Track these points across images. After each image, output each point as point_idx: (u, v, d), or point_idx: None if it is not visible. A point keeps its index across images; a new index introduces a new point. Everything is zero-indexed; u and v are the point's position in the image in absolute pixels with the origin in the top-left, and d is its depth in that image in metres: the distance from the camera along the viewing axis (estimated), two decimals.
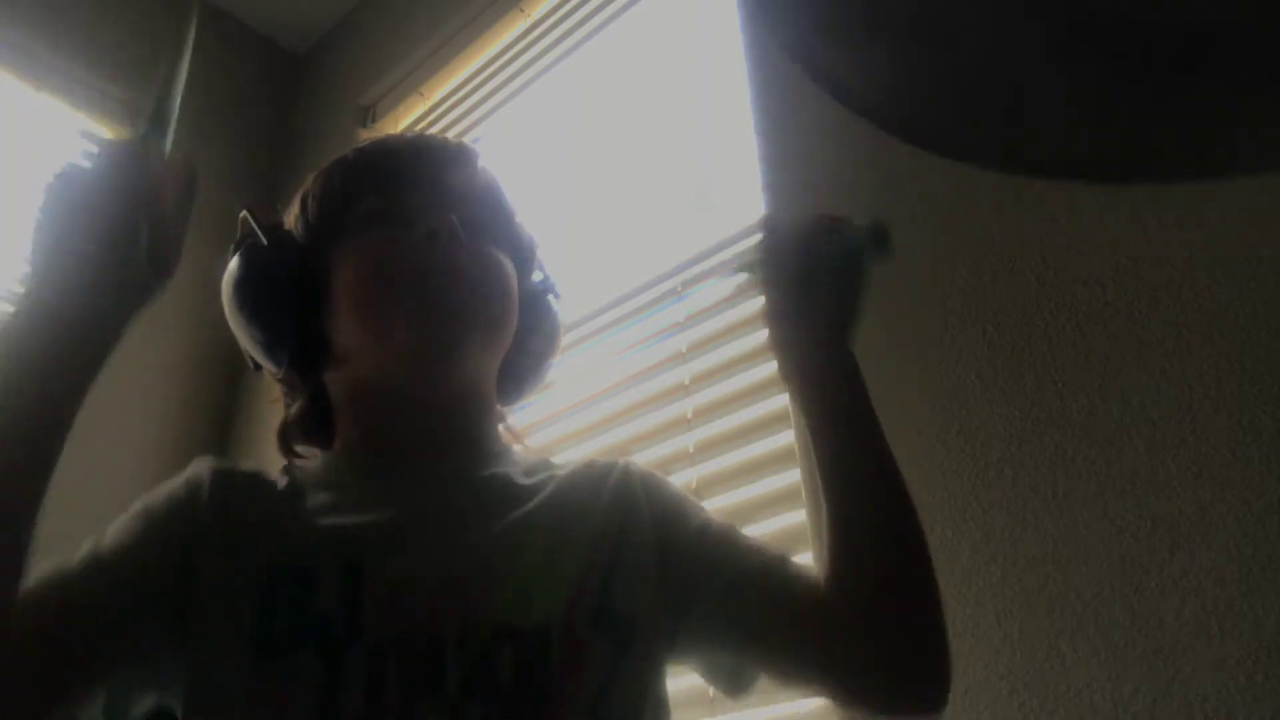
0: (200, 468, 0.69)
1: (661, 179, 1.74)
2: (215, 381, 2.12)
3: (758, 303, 1.35)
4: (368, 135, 2.30)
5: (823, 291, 0.72)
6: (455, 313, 0.71)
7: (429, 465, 0.72)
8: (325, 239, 0.75)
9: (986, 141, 0.42)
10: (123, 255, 0.61)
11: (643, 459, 1.38)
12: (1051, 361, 1.01)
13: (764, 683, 1.10)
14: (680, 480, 1.32)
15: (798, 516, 1.17)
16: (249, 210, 0.77)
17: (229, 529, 0.65)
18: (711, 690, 1.13)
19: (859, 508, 0.68)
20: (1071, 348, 1.00)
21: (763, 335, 1.31)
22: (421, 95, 2.22)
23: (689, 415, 1.37)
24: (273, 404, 0.82)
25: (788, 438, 1.22)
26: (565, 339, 0.86)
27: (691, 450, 1.34)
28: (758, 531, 1.21)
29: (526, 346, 0.80)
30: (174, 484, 0.68)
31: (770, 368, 1.29)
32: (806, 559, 1.12)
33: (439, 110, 2.17)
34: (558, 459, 0.81)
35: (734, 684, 0.73)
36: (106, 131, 2.21)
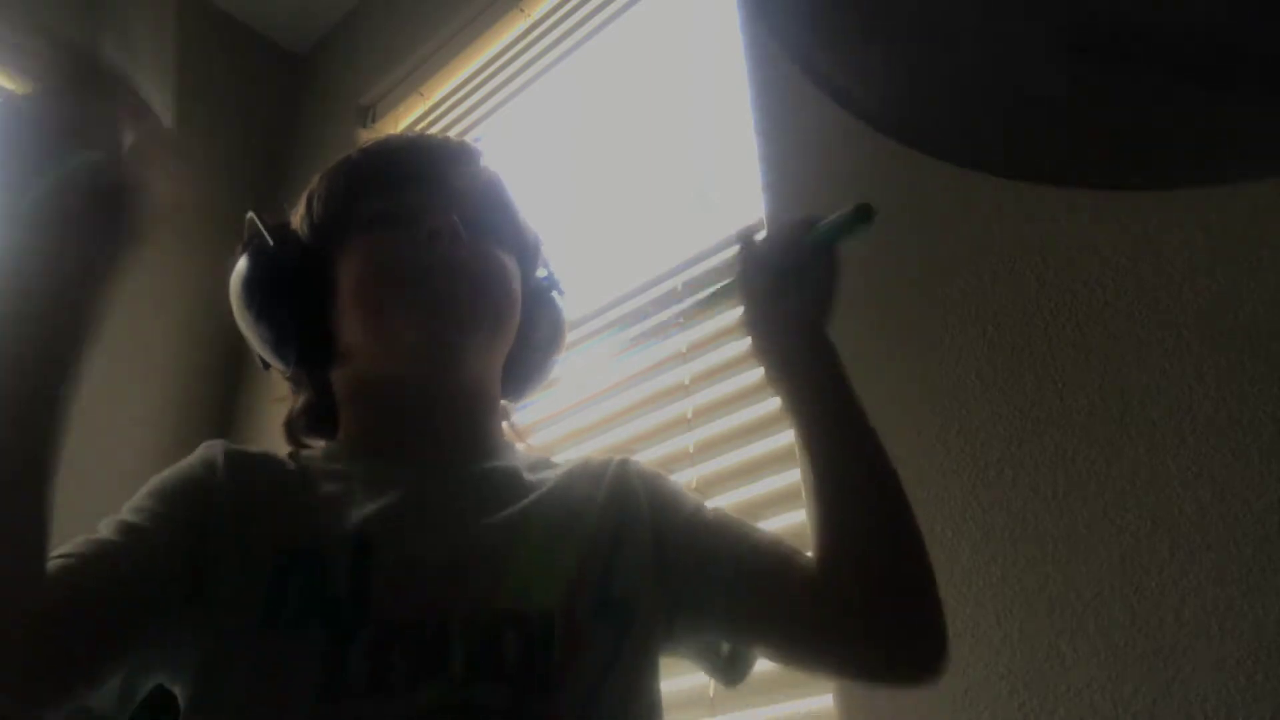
0: (214, 448, 0.70)
1: (661, 179, 1.74)
2: (216, 374, 2.12)
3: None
4: (368, 135, 2.30)
5: (796, 290, 0.73)
6: (457, 313, 0.72)
7: (432, 458, 0.73)
8: (330, 239, 0.76)
9: (986, 146, 0.42)
10: (55, 185, 0.58)
11: (643, 459, 1.38)
12: (1051, 361, 1.01)
13: (764, 685, 1.10)
14: (680, 480, 1.32)
15: (798, 516, 1.17)
16: (255, 213, 0.77)
17: (243, 508, 0.66)
18: (711, 690, 1.14)
19: (850, 504, 0.68)
20: (1071, 348, 1.00)
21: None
22: (421, 95, 2.22)
23: (689, 415, 1.37)
24: (277, 402, 0.82)
25: (788, 438, 1.22)
26: (567, 337, 0.87)
27: (691, 450, 1.34)
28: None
29: (530, 343, 0.81)
30: (189, 463, 0.69)
31: None
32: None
33: (439, 110, 2.17)
34: (557, 458, 0.82)
35: (730, 671, 0.74)
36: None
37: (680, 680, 1.06)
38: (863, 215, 0.68)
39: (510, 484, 0.72)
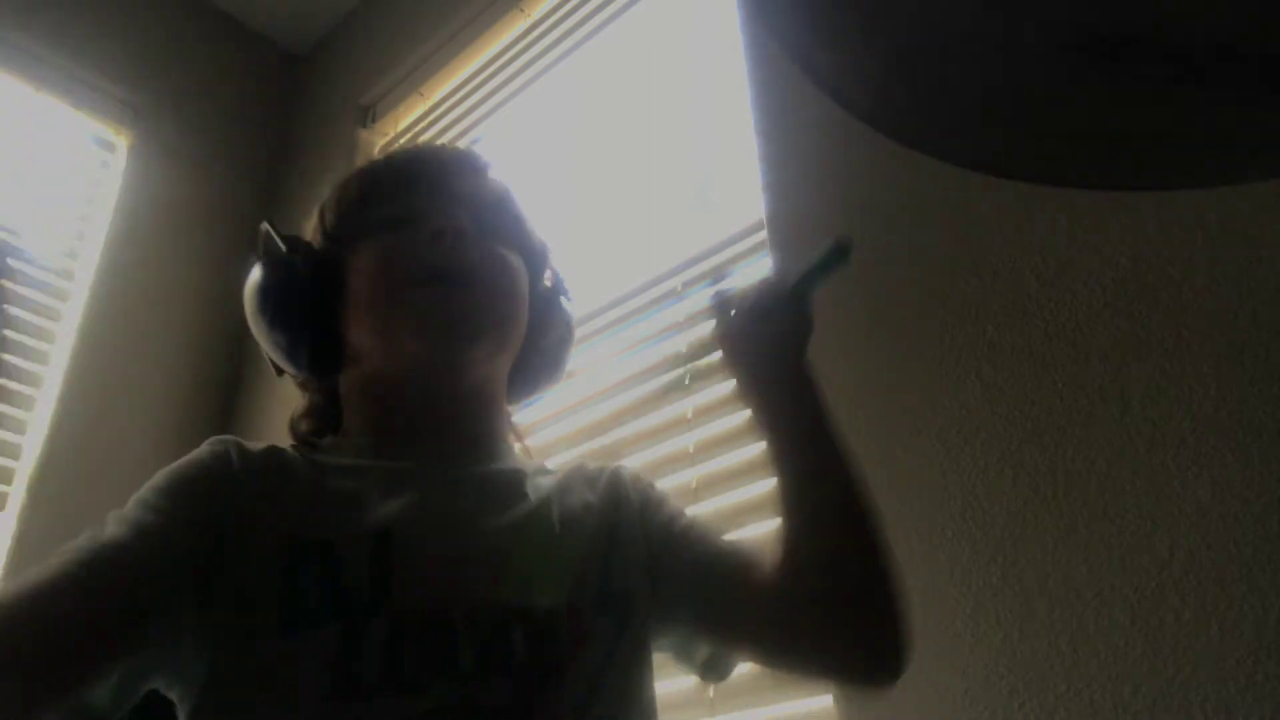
0: (224, 442, 0.70)
1: (661, 179, 1.74)
2: (217, 373, 2.12)
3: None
4: (368, 135, 2.30)
5: (772, 325, 0.74)
6: (461, 323, 0.72)
7: (438, 458, 0.73)
8: (341, 245, 0.78)
9: (985, 146, 0.42)
10: None
11: (643, 459, 1.38)
12: (1051, 361, 1.01)
13: (764, 685, 1.10)
14: (680, 480, 1.32)
15: None
16: (269, 223, 0.78)
17: (255, 501, 0.66)
18: (711, 690, 1.14)
19: (811, 519, 0.70)
20: (1071, 348, 1.00)
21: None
22: (421, 95, 2.22)
23: (689, 415, 1.37)
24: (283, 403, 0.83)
25: None
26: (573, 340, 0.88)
27: (691, 450, 1.34)
28: (757, 532, 1.21)
29: (539, 347, 0.82)
30: (199, 456, 0.69)
31: None
32: None
33: (439, 110, 2.17)
34: (552, 462, 0.83)
35: (711, 669, 0.76)
36: (108, 131, 2.21)
37: (680, 680, 1.06)
38: (840, 253, 0.69)
39: (514, 486, 0.74)
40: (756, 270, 1.38)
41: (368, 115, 2.32)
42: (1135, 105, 0.37)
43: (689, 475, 1.31)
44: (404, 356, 0.73)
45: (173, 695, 0.64)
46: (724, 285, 0.78)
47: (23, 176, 2.06)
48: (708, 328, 0.78)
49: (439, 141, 2.11)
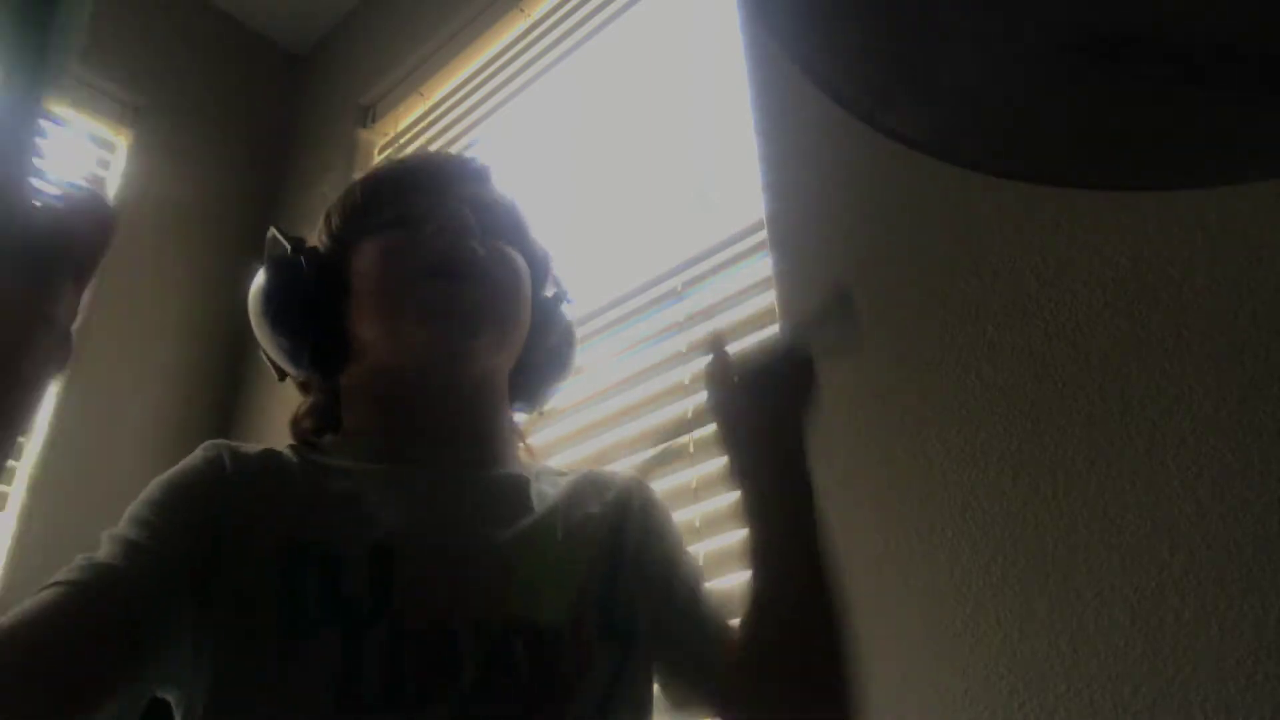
0: (216, 446, 0.70)
1: (661, 179, 1.74)
2: (217, 372, 2.12)
3: (757, 302, 1.35)
4: (368, 135, 2.30)
5: (768, 395, 0.72)
6: (465, 311, 0.72)
7: (442, 460, 0.73)
8: (346, 246, 0.78)
9: (986, 146, 0.42)
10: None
11: (643, 458, 1.38)
12: (1051, 361, 1.01)
13: None
14: (680, 481, 1.32)
15: None
16: (275, 227, 0.78)
17: (252, 505, 0.66)
18: None
19: (779, 634, 0.68)
20: (1071, 348, 1.00)
21: (762, 335, 1.31)
22: (421, 95, 2.22)
23: (689, 415, 1.37)
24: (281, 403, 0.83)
25: None
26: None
27: (691, 450, 1.34)
28: None
29: (540, 353, 0.82)
30: (192, 463, 0.69)
31: None
32: None
33: (439, 110, 2.17)
34: (559, 465, 0.83)
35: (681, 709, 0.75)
36: (108, 131, 2.21)
37: None
38: (842, 302, 0.68)
39: (520, 495, 0.73)
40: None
41: (368, 115, 2.32)
42: (1135, 105, 0.37)
43: (689, 475, 1.31)
44: (407, 349, 0.73)
45: (169, 697, 0.63)
46: (720, 349, 0.73)
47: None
48: (703, 398, 0.76)
49: (440, 141, 2.11)
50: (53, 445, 1.85)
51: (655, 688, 0.71)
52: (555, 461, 1.43)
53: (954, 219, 1.14)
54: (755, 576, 0.69)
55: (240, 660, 0.61)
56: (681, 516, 1.28)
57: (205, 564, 0.62)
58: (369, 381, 0.76)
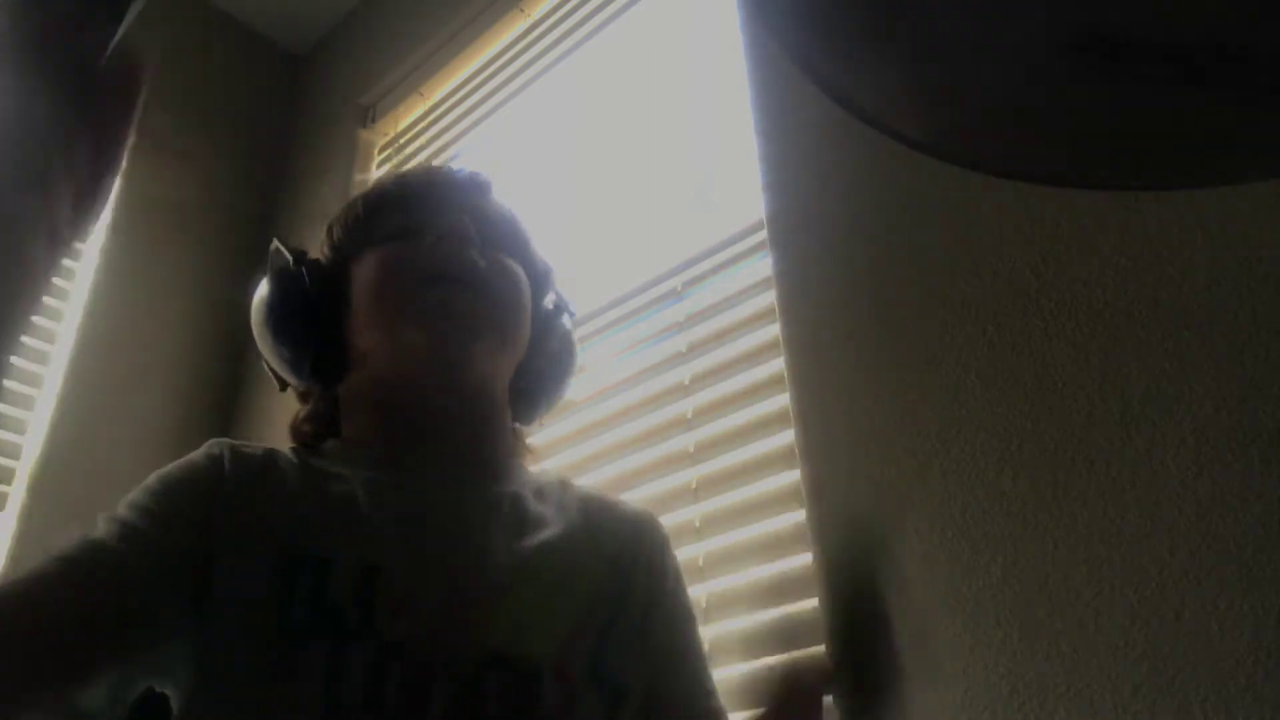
0: (219, 445, 0.70)
1: (661, 179, 1.74)
2: (216, 372, 2.12)
3: (757, 302, 1.35)
4: (368, 135, 2.30)
5: None
6: (464, 316, 0.73)
7: (439, 467, 0.73)
8: (347, 257, 0.78)
9: (986, 146, 0.42)
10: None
11: (643, 458, 1.38)
12: (1051, 361, 1.01)
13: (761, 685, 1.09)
14: (680, 481, 1.32)
15: (797, 516, 1.17)
16: (278, 239, 0.79)
17: (249, 504, 0.66)
18: None
19: None
20: (1071, 348, 1.00)
21: (762, 334, 1.31)
22: (421, 95, 2.22)
23: (689, 415, 1.37)
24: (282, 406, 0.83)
25: (788, 438, 1.22)
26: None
27: (692, 450, 1.34)
28: (758, 532, 1.21)
29: (540, 363, 0.82)
30: (192, 459, 0.69)
31: (770, 367, 1.29)
32: (806, 559, 1.13)
33: (439, 110, 2.17)
34: (570, 477, 0.82)
35: None
36: None
37: None
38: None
39: (520, 515, 0.72)
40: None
41: (368, 115, 2.32)
42: (1135, 105, 0.37)
43: (689, 475, 1.31)
44: (407, 355, 0.74)
45: (167, 691, 0.64)
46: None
47: None
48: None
49: (440, 141, 2.11)
50: (52, 445, 1.85)
51: None
52: (554, 462, 1.43)
53: (954, 219, 1.14)
54: None
55: (231, 658, 0.61)
56: (681, 516, 1.28)
57: (199, 560, 0.63)
58: (368, 390, 0.76)
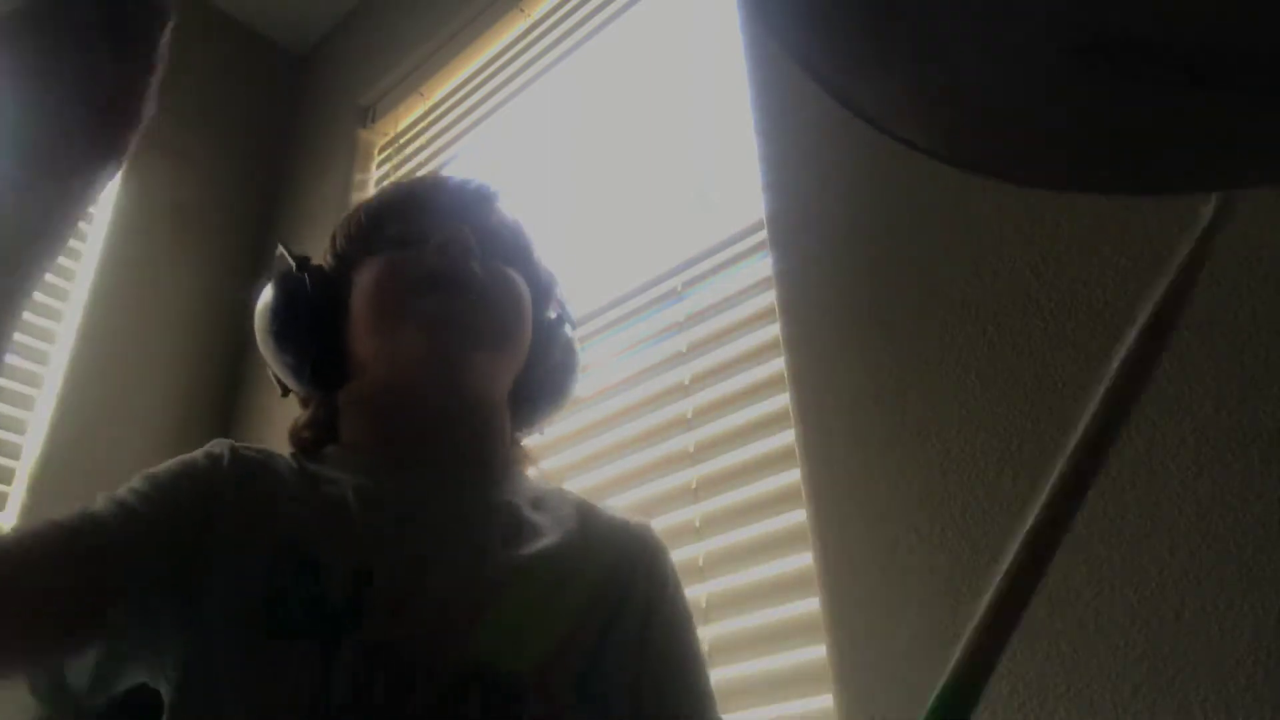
0: (221, 444, 0.71)
1: (661, 179, 1.74)
2: (216, 372, 2.12)
3: (757, 302, 1.35)
4: (367, 135, 2.30)
5: None
6: (462, 324, 0.73)
7: (437, 474, 0.73)
8: (349, 265, 0.79)
9: (986, 148, 0.42)
10: (65, 120, 0.51)
11: (643, 458, 1.38)
12: (1051, 361, 1.01)
13: (764, 685, 1.09)
14: (680, 481, 1.32)
15: (798, 516, 1.17)
16: (282, 244, 0.81)
17: (246, 502, 0.66)
18: None
19: None
20: (1071, 347, 1.00)
21: (762, 335, 1.31)
22: (421, 95, 2.22)
23: (689, 415, 1.37)
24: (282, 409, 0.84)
25: (788, 438, 1.22)
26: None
27: (692, 450, 1.34)
28: (758, 532, 1.21)
29: (540, 372, 0.81)
30: (193, 456, 0.70)
31: (770, 367, 1.29)
32: (806, 559, 1.13)
33: (439, 110, 2.17)
34: (567, 486, 0.82)
35: None
36: None
37: None
38: None
39: (515, 525, 0.72)
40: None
41: (368, 115, 2.32)
42: (1135, 108, 0.37)
43: (689, 475, 1.31)
44: (405, 360, 0.74)
45: (160, 688, 0.64)
46: None
47: None
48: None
49: (439, 141, 2.11)
50: (52, 445, 1.85)
51: None
52: (554, 462, 1.43)
53: (954, 219, 1.14)
54: None
55: (220, 655, 0.61)
56: (681, 516, 1.28)
57: (189, 549, 0.63)
58: (367, 396, 0.76)
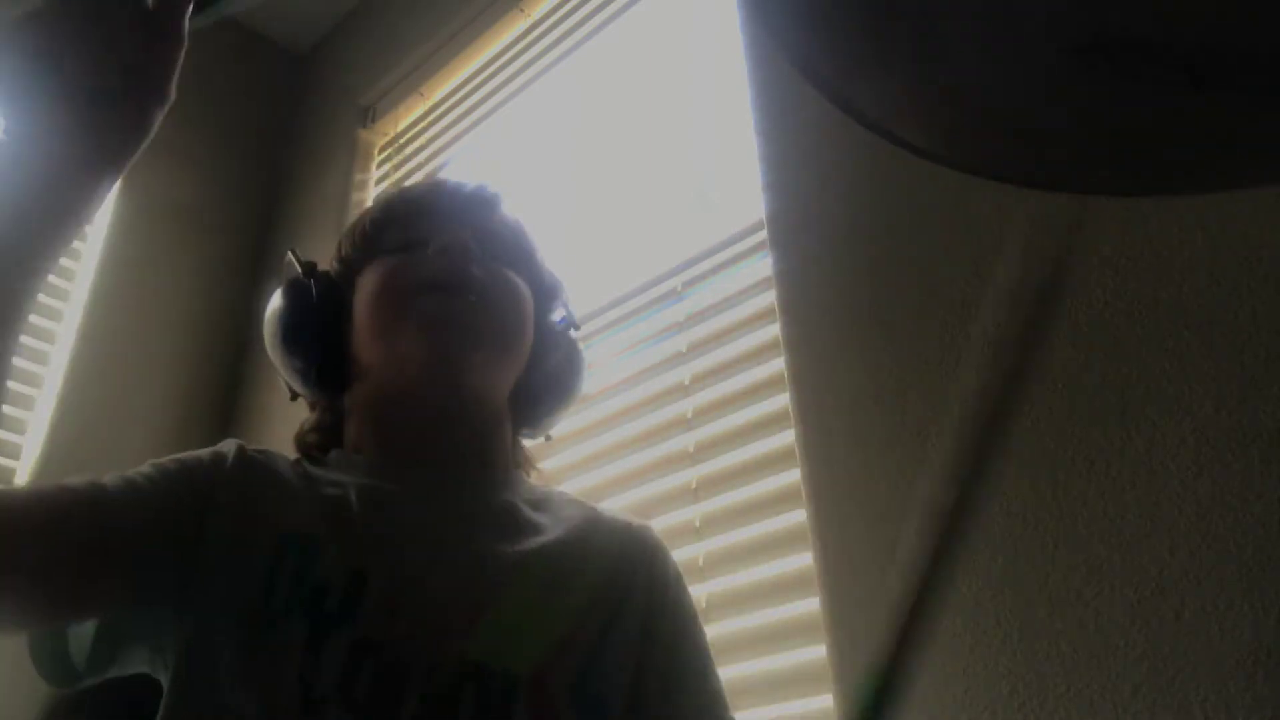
0: (229, 445, 0.72)
1: (661, 179, 1.74)
2: (217, 373, 2.12)
3: (757, 302, 1.35)
4: (367, 135, 2.30)
5: None
6: (462, 321, 0.73)
7: (438, 475, 0.73)
8: (354, 271, 0.80)
9: (987, 150, 0.42)
10: (91, 97, 0.55)
11: (643, 458, 1.38)
12: (1051, 361, 1.01)
13: (764, 685, 1.10)
14: (680, 481, 1.32)
15: (798, 516, 1.17)
16: (292, 251, 0.83)
17: (246, 501, 0.67)
18: None
19: None
20: (1071, 348, 1.00)
21: (762, 335, 1.31)
22: (421, 95, 2.22)
23: (689, 415, 1.37)
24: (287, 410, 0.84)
25: (788, 438, 1.22)
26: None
27: (692, 450, 1.34)
28: (758, 532, 1.21)
29: (542, 375, 0.81)
30: (199, 452, 0.72)
31: (770, 367, 1.29)
32: (806, 559, 1.13)
33: (439, 110, 2.17)
34: (567, 486, 0.82)
35: None
36: None
37: None
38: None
39: (513, 525, 0.72)
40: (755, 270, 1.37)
41: (368, 115, 2.32)
42: (1135, 109, 0.37)
43: (689, 475, 1.31)
44: (406, 363, 0.74)
45: (158, 676, 0.64)
46: None
47: None
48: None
49: (439, 141, 2.11)
50: (52, 445, 1.85)
51: None
52: (554, 462, 1.43)
53: (954, 219, 1.14)
54: None
55: (216, 638, 0.62)
56: (681, 516, 1.28)
57: (190, 549, 0.63)
58: (369, 400, 0.77)
